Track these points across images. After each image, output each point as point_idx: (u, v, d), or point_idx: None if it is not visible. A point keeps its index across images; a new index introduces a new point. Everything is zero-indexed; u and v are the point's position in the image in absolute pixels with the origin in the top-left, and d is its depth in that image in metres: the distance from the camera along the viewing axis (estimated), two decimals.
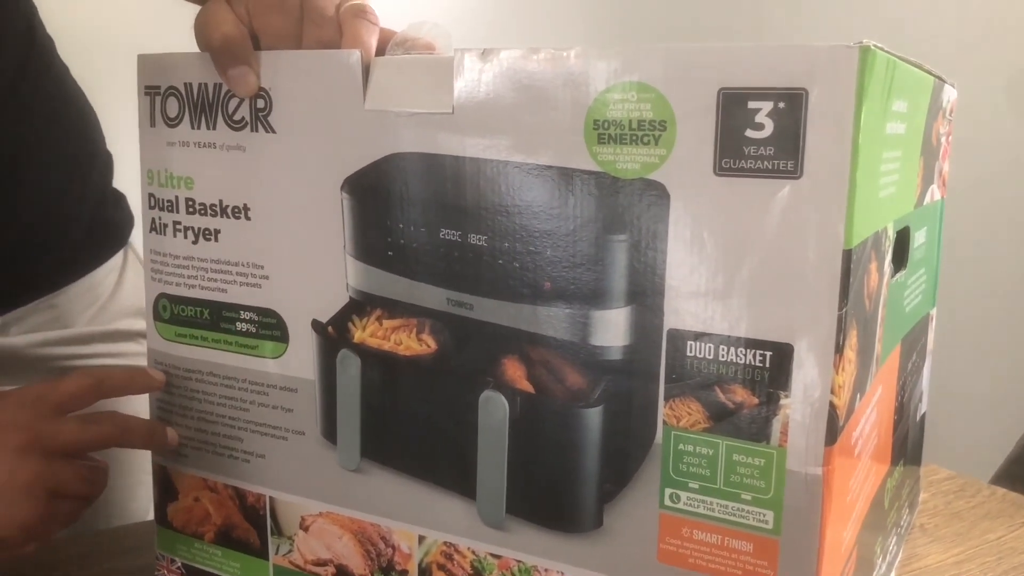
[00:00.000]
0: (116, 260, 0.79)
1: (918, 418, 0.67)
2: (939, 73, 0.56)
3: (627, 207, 0.40)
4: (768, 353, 0.39)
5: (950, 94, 0.60)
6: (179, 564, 0.57)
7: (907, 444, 0.63)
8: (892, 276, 0.50)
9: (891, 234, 0.47)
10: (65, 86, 0.75)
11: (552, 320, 0.43)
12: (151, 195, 0.54)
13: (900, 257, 0.54)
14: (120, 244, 0.80)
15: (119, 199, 0.82)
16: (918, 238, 0.57)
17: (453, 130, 0.44)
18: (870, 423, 0.48)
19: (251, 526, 0.54)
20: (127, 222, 0.82)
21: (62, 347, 0.74)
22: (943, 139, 0.61)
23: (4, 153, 0.68)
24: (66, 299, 0.75)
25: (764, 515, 0.40)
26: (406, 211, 0.46)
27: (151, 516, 0.59)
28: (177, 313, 0.54)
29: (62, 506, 0.50)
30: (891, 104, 0.42)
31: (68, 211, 0.75)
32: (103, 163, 0.79)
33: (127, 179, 0.79)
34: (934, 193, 0.61)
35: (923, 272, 0.61)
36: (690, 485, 0.41)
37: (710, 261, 0.39)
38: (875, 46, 0.37)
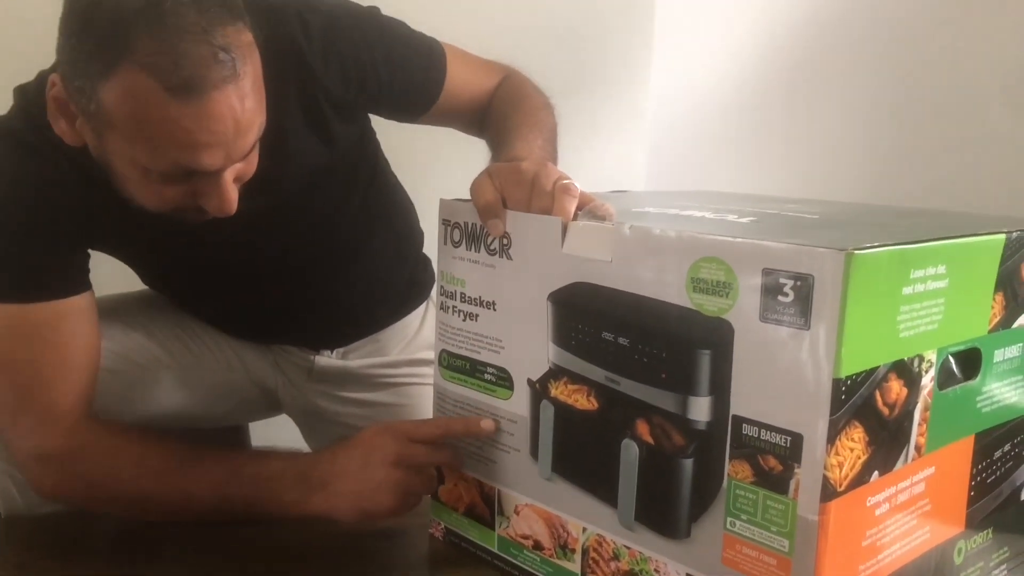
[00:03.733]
0: (421, 309, 1.12)
1: (1023, 497, 0.80)
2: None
3: (710, 333, 0.63)
4: (788, 437, 0.60)
5: None
6: (443, 526, 0.87)
7: (1001, 518, 0.77)
8: (948, 387, 0.67)
9: (931, 358, 0.65)
10: (395, 188, 1.08)
11: (665, 398, 0.67)
12: (442, 287, 0.84)
13: (970, 370, 0.70)
14: (425, 296, 1.13)
15: (427, 263, 1.15)
16: (1003, 354, 0.73)
17: (611, 272, 0.69)
18: (909, 494, 0.66)
19: (486, 507, 0.83)
20: (431, 280, 1.15)
21: (382, 368, 1.08)
22: None
23: (358, 235, 1.02)
24: (386, 336, 1.09)
25: (783, 542, 0.61)
26: (584, 317, 0.72)
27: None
28: (451, 363, 0.84)
29: (411, 499, 0.81)
30: (908, 274, 0.61)
31: (396, 273, 1.09)
32: (417, 238, 1.12)
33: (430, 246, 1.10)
34: None
35: (1019, 379, 0.75)
36: (742, 516, 0.63)
37: (755, 374, 0.61)
38: (869, 246, 0.57)
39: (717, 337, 0.63)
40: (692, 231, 0.64)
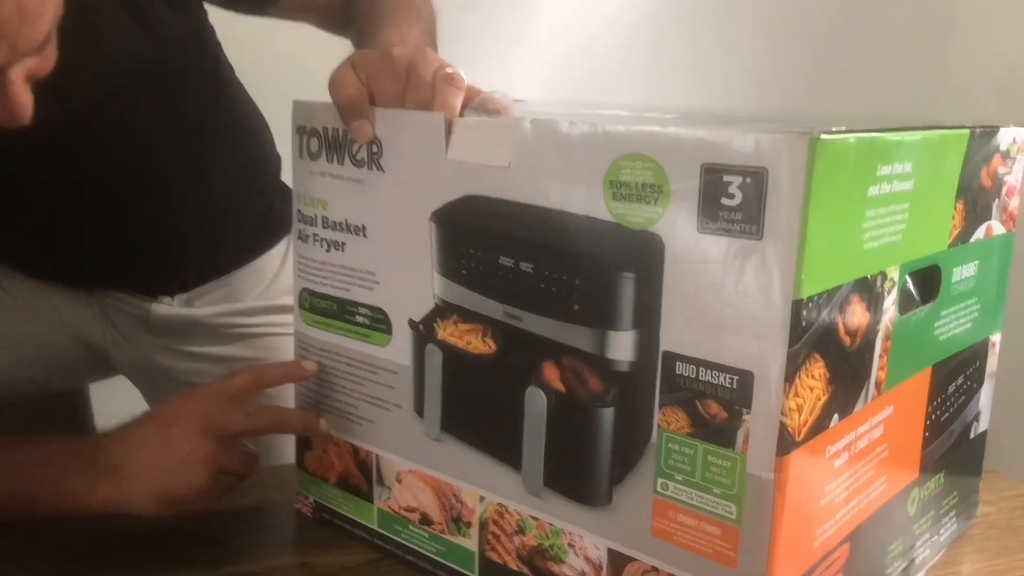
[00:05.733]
0: (280, 247, 0.96)
1: (972, 436, 0.72)
2: (989, 122, 0.62)
3: (634, 251, 0.50)
4: (735, 377, 0.48)
5: (1009, 136, 0.64)
6: (311, 500, 0.73)
7: (953, 459, 0.68)
8: (908, 311, 0.57)
9: (894, 276, 0.54)
10: (243, 102, 0.91)
11: (578, 335, 0.54)
12: (299, 211, 0.69)
13: (928, 291, 0.60)
14: (284, 233, 0.97)
15: (286, 193, 0.98)
16: (960, 272, 0.63)
17: (510, 180, 0.55)
18: (868, 439, 0.56)
19: (362, 475, 0.68)
20: (291, 213, 0.98)
21: (235, 317, 0.92)
22: (1004, 178, 0.65)
23: (197, 156, 0.85)
24: (239, 278, 0.92)
25: (729, 507, 0.49)
26: (476, 240, 0.58)
27: (292, 459, 0.75)
28: (315, 304, 0.69)
29: (224, 480, 0.65)
30: (875, 170, 0.49)
31: (245, 205, 0.92)
32: (273, 163, 0.96)
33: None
34: (991, 229, 0.66)
35: (974, 302, 0.66)
36: (676, 477, 0.51)
37: (693, 299, 0.49)
38: (836, 131, 0.45)
39: (643, 255, 0.50)
40: (610, 124, 0.51)
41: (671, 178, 0.48)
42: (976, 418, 0.72)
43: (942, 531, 0.70)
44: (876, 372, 0.55)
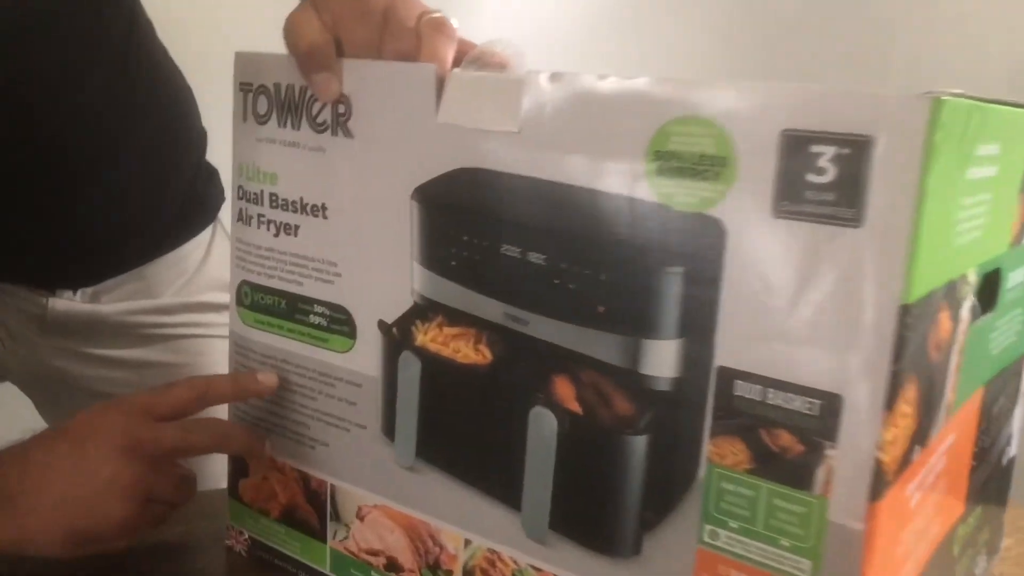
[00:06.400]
0: (205, 235, 0.83)
1: (1004, 462, 0.64)
2: None
3: (684, 240, 0.40)
4: (817, 402, 0.38)
5: None
6: (247, 536, 0.60)
7: (988, 488, 0.60)
8: (974, 320, 0.48)
9: (972, 280, 0.45)
10: (163, 66, 0.78)
11: (603, 344, 0.43)
12: (240, 187, 0.56)
13: (988, 299, 0.51)
14: (209, 219, 0.84)
15: (212, 174, 0.85)
16: (1014, 278, 0.55)
17: (519, 149, 0.44)
18: (935, 473, 0.47)
19: (313, 509, 0.56)
20: (218, 197, 0.85)
21: (149, 316, 0.79)
22: None
23: (105, 129, 0.72)
24: (155, 271, 0.79)
25: (801, 564, 0.39)
26: (471, 224, 0.46)
27: (225, 484, 0.62)
28: (257, 300, 0.57)
29: (153, 509, 0.53)
30: (975, 149, 0.40)
31: (161, 186, 0.79)
32: (198, 139, 0.83)
33: (222, 154, 0.83)
34: None
35: (1019, 312, 0.58)
36: (730, 524, 0.41)
37: (762, 301, 0.38)
38: (952, 95, 0.35)
39: (696, 245, 0.40)
40: (656, 82, 0.40)
41: (738, 148, 0.38)
42: (1008, 442, 0.64)
43: (977, 571, 0.61)
44: (948, 393, 0.46)
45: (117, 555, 0.56)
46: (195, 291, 0.82)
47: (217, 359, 0.82)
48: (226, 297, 0.85)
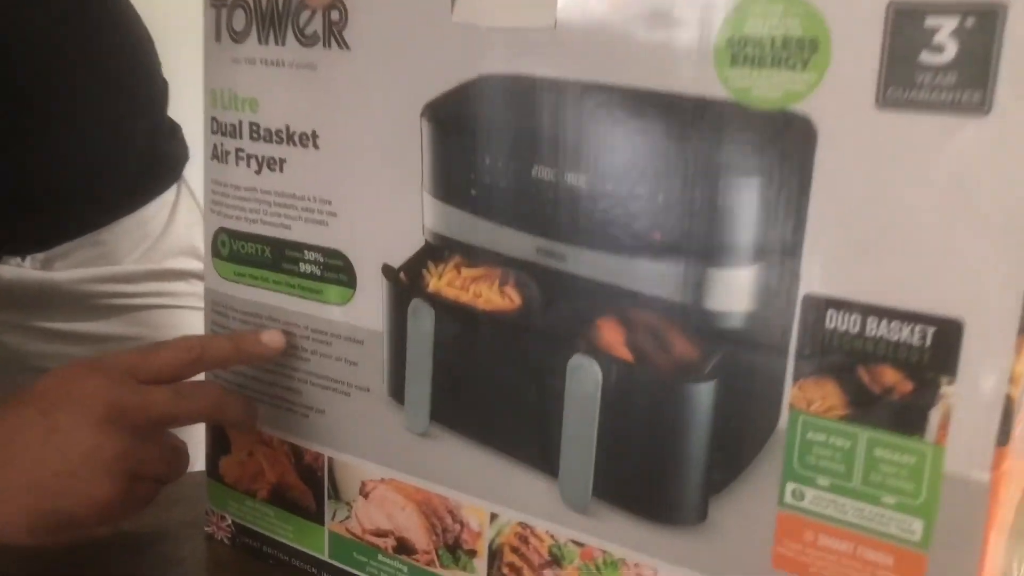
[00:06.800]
0: (169, 195, 0.75)
1: None
2: None
3: (762, 144, 0.34)
4: (930, 329, 0.32)
5: None
6: (229, 521, 0.53)
7: None
8: None
9: None
10: (121, 10, 0.70)
11: (660, 277, 0.37)
12: (214, 119, 0.49)
13: None
14: (173, 178, 0.76)
15: (174, 129, 0.78)
16: None
17: (555, 48, 0.37)
18: None
19: (307, 487, 0.49)
20: (182, 155, 0.78)
21: (108, 284, 0.71)
22: None
23: (56, 72, 0.64)
24: (114, 235, 0.71)
25: (911, 524, 0.33)
26: (494, 144, 0.39)
27: (201, 464, 0.54)
28: (237, 250, 0.49)
29: (139, 488, 0.45)
30: None
31: (120, 141, 0.71)
32: (158, 90, 0.75)
33: (185, 109, 0.75)
34: None
35: None
36: (819, 481, 0.35)
37: (864, 213, 0.32)
38: None
39: (777, 147, 0.33)
40: None
41: (832, 28, 0.32)
42: None
43: None
44: None
45: (83, 550, 0.48)
46: (159, 257, 0.74)
47: (185, 331, 0.74)
48: (194, 264, 0.77)
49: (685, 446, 0.37)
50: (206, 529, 0.55)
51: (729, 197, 0.35)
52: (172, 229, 0.76)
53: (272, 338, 0.47)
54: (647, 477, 0.38)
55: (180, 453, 0.47)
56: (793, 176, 0.33)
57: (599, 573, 0.40)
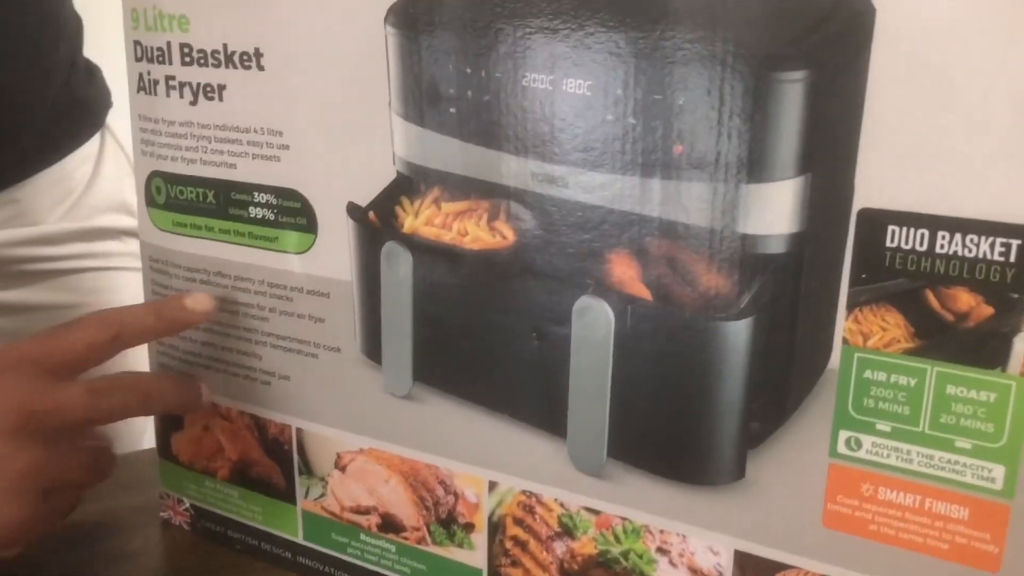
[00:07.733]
0: (91, 146, 0.67)
1: None
2: None
3: (807, 30, 0.28)
4: (1015, 243, 0.27)
5: None
6: (187, 505, 0.47)
7: None
8: None
9: None
10: None
11: (683, 198, 0.31)
12: (137, 43, 0.42)
13: None
14: (95, 127, 0.68)
15: (92, 72, 0.70)
16: None
17: None
18: None
19: (274, 463, 0.43)
20: (103, 100, 0.70)
21: (28, 247, 0.63)
22: None
23: None
24: (31, 192, 0.63)
25: (990, 471, 0.28)
26: (476, 47, 0.33)
27: (150, 442, 0.48)
28: (175, 196, 0.42)
29: (56, 500, 0.38)
30: None
31: (29, 87, 0.63)
32: (71, 29, 0.67)
33: (102, 47, 0.68)
34: None
35: None
36: (878, 427, 0.30)
37: (933, 106, 0.27)
38: None
39: (825, 36, 0.28)
40: None
41: None
42: None
43: None
44: None
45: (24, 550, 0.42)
46: (85, 215, 0.67)
47: (123, 297, 0.67)
48: (126, 220, 0.70)
49: (718, 395, 0.32)
50: (161, 515, 0.49)
51: (765, 96, 0.29)
52: (97, 183, 0.68)
53: (198, 301, 0.41)
54: (673, 433, 0.33)
55: (103, 454, 0.40)
56: (845, 67, 0.28)
57: (619, 543, 0.35)
